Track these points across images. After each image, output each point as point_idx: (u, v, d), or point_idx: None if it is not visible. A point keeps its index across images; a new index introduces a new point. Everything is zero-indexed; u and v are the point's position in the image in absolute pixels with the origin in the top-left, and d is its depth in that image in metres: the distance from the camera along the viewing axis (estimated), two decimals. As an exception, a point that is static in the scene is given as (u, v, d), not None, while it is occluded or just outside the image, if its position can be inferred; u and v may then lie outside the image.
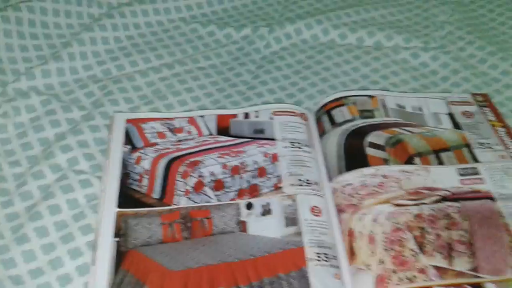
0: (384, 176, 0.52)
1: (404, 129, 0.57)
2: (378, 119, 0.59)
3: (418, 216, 0.48)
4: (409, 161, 0.54)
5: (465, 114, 0.60)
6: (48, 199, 0.52)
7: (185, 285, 0.45)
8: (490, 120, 0.59)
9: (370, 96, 0.62)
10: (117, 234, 0.48)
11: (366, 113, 0.60)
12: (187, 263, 0.46)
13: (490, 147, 0.56)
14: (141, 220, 0.50)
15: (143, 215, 0.50)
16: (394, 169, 0.53)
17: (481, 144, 0.56)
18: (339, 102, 0.61)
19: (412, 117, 0.60)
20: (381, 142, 0.55)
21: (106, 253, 0.47)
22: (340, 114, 0.59)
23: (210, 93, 0.65)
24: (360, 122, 0.58)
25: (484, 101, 0.62)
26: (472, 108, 0.61)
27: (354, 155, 0.55)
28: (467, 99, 0.62)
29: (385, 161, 0.54)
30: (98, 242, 0.48)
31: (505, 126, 0.59)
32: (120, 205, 0.51)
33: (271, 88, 0.67)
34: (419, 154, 0.54)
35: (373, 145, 0.55)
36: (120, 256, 0.47)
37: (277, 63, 0.71)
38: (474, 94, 0.63)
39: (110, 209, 0.50)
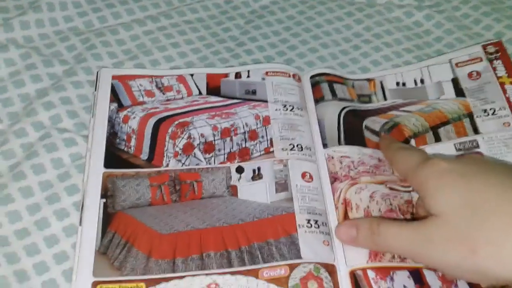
0: (379, 160, 0.53)
1: (402, 110, 0.57)
2: (374, 104, 0.59)
3: (407, 202, 0.50)
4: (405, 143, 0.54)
5: (471, 75, 0.59)
6: (32, 158, 0.51)
7: (173, 248, 0.46)
8: (500, 77, 0.58)
9: (369, 80, 0.61)
10: (105, 195, 0.48)
11: (363, 97, 0.60)
12: (176, 226, 0.47)
13: (495, 113, 0.55)
14: (129, 181, 0.50)
15: (131, 177, 0.50)
16: (388, 155, 0.53)
17: (485, 111, 0.55)
18: (340, 80, 0.60)
19: (412, 93, 0.60)
20: (376, 127, 0.56)
21: (94, 214, 0.47)
22: (341, 90, 0.59)
23: (198, 48, 0.64)
24: (357, 106, 0.58)
25: (497, 51, 0.60)
26: (480, 66, 0.59)
27: (353, 133, 0.55)
28: (477, 54, 0.60)
29: (381, 146, 0.54)
30: (85, 203, 0.48)
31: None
32: (107, 166, 0.50)
33: (261, 45, 0.66)
34: (415, 135, 0.55)
35: (369, 129, 0.55)
36: (108, 218, 0.47)
37: (267, 18, 0.69)
38: (485, 45, 0.61)
39: (97, 170, 0.50)
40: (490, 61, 0.59)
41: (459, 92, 0.58)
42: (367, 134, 0.55)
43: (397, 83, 0.61)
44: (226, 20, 0.69)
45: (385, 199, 0.49)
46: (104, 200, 0.48)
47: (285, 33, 0.68)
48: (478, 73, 0.59)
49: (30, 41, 0.62)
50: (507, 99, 0.56)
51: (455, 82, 0.59)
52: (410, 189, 0.50)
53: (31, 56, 0.60)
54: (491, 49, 0.61)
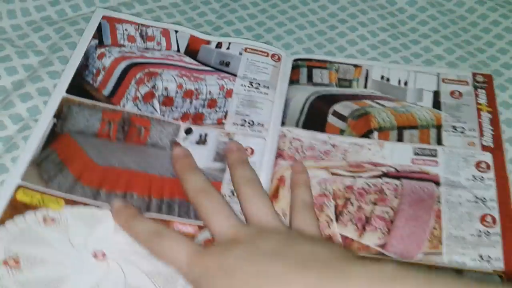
0: (333, 145, 0.58)
1: (377, 102, 0.62)
2: (353, 89, 0.64)
3: (348, 188, 0.54)
4: (366, 134, 0.59)
5: (453, 94, 0.63)
6: (12, 151, 0.54)
7: (102, 180, 0.51)
8: (479, 103, 0.62)
9: (356, 66, 0.66)
10: (58, 116, 0.55)
11: (343, 82, 0.64)
12: (111, 161, 0.53)
13: (463, 132, 0.59)
14: (83, 110, 0.56)
15: (87, 106, 0.56)
16: (345, 141, 0.58)
17: (454, 127, 0.59)
18: (323, 64, 0.66)
19: (392, 91, 0.64)
20: (345, 112, 0.60)
21: (41, 129, 0.54)
22: (319, 75, 0.64)
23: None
24: (333, 90, 0.63)
25: (484, 82, 0.64)
26: (464, 89, 0.64)
27: (315, 117, 0.60)
28: (465, 78, 0.65)
29: (341, 132, 0.59)
30: (39, 120, 0.54)
31: (492, 112, 0.61)
32: (68, 91, 0.57)
33: (237, 28, 0.70)
34: (380, 129, 0.59)
35: (337, 114, 0.60)
36: (53, 137, 0.53)
37: (242, 1, 0.73)
38: (475, 74, 0.65)
39: (59, 92, 0.57)
40: (475, 88, 0.64)
41: (436, 104, 0.62)
42: (332, 119, 0.60)
43: (382, 77, 0.65)
44: (201, 4, 0.72)
45: (321, 184, 0.54)
46: (55, 120, 0.54)
47: (261, 16, 0.72)
48: (460, 94, 0.63)
49: (2, 33, 0.65)
50: (480, 123, 0.60)
51: (436, 94, 0.63)
52: (357, 175, 0.55)
53: (5, 48, 0.62)
54: (480, 78, 0.65)
